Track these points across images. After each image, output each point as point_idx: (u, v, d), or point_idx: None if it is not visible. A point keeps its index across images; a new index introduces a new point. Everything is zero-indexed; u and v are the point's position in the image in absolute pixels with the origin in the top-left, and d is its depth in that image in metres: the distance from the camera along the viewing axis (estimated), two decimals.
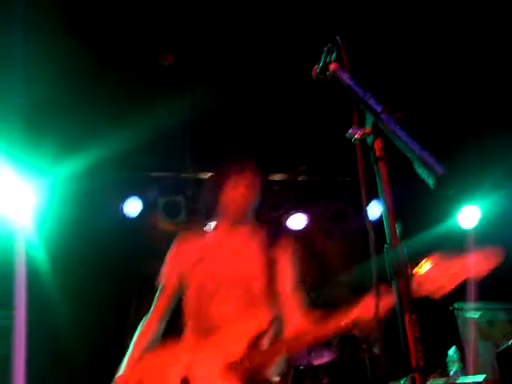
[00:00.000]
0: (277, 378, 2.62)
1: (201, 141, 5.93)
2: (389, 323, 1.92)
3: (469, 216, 6.50)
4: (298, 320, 2.65)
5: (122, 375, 2.72)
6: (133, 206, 6.39)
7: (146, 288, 6.50)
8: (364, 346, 5.57)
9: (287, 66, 4.96)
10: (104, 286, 5.90)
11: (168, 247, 3.05)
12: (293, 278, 2.81)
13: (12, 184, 5.48)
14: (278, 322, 2.67)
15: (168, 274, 2.98)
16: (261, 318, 2.63)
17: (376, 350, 5.50)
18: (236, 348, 2.52)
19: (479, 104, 5.63)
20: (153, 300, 2.94)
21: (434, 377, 5.33)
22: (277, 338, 2.64)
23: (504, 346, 5.50)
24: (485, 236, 6.41)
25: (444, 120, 5.68)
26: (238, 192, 2.87)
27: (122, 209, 6.39)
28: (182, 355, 2.67)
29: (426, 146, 1.33)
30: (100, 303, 5.87)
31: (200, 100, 5.21)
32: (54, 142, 5.12)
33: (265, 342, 2.57)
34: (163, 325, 2.94)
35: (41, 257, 5.63)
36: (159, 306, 2.96)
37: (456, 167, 1.28)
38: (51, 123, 5.09)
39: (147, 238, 6.23)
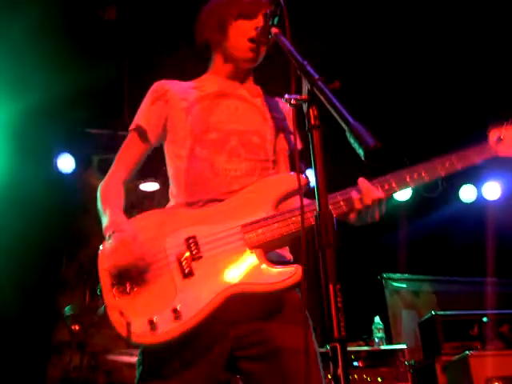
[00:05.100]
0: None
1: (140, 98, 5.78)
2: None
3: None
4: None
5: (121, 229, 1.98)
6: (66, 162, 6.22)
7: (77, 246, 6.44)
8: None
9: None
10: (35, 242, 5.73)
11: None
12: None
13: None
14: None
15: (147, 117, 2.28)
16: (286, 179, 2.04)
17: None
18: (258, 209, 1.98)
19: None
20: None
21: (359, 343, 5.47)
22: None
23: (426, 316, 5.69)
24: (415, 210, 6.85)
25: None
26: (247, 36, 2.17)
27: (56, 164, 6.21)
28: (182, 218, 2.04)
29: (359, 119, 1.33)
30: (30, 260, 5.71)
31: (139, 56, 5.09)
32: None
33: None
34: (125, 187, 2.29)
35: None
36: (129, 159, 2.28)
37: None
38: None
39: (81, 195, 6.08)
